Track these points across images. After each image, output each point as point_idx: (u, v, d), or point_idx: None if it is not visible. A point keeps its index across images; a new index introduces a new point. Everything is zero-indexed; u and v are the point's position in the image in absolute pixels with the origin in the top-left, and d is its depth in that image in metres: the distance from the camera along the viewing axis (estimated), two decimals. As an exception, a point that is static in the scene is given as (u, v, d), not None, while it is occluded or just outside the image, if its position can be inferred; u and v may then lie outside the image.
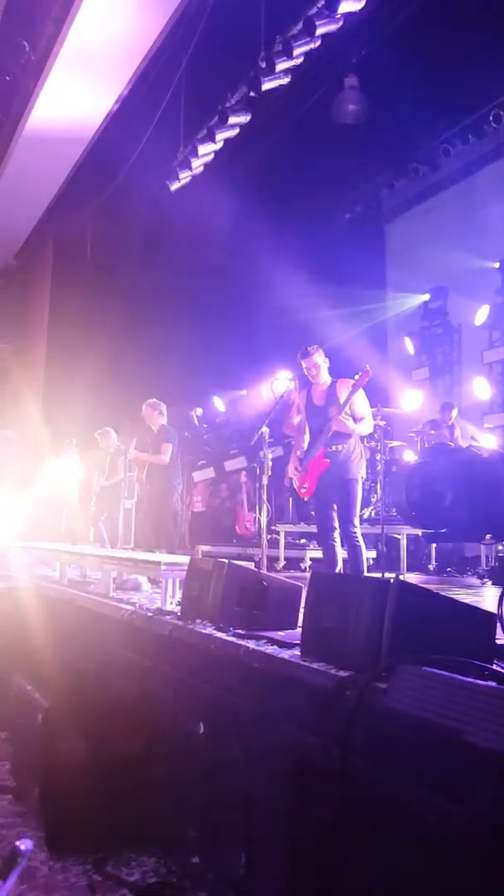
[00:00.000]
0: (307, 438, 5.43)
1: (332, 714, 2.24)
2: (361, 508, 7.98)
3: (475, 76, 8.82)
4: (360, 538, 5.26)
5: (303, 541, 8.70)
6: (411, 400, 10.60)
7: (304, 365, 5.41)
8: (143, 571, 5.13)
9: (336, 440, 5.22)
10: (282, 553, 8.17)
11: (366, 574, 5.38)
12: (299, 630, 2.94)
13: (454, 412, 9.00)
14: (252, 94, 7.72)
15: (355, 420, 5.24)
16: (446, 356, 11.76)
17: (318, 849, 2.36)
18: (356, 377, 5.27)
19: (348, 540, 5.21)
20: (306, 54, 7.15)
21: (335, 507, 5.30)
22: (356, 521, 5.25)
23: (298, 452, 5.43)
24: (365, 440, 8.17)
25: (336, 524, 5.31)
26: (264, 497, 5.60)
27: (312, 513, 6.00)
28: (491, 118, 9.53)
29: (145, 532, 7.73)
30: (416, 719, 1.98)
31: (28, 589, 6.05)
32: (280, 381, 5.85)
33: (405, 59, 8.13)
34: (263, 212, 9.79)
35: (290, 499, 9.36)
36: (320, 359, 5.39)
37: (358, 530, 5.25)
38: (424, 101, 8.56)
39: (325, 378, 5.40)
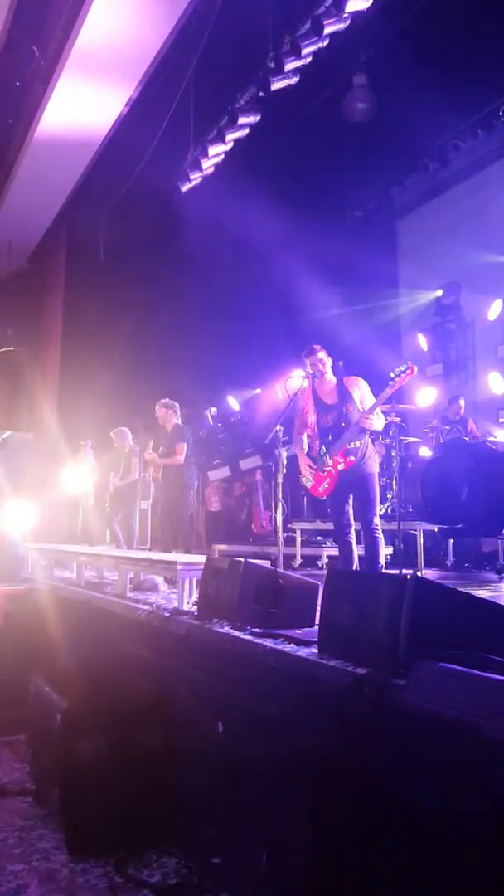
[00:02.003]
0: (305, 439, 5.42)
1: (350, 711, 2.24)
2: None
3: (484, 71, 8.78)
4: (381, 532, 5.25)
5: (319, 538, 8.68)
6: (426, 396, 10.56)
7: (309, 363, 5.39)
8: (159, 571, 5.13)
9: (354, 437, 5.22)
10: (298, 551, 8.15)
11: (383, 570, 5.37)
12: (316, 628, 2.93)
13: (461, 402, 8.94)
14: (261, 94, 7.72)
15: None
16: (460, 352, 11.71)
17: (338, 846, 2.35)
18: (395, 374, 5.25)
19: (369, 533, 5.20)
20: (315, 53, 7.14)
21: (351, 503, 5.29)
22: (378, 512, 5.27)
23: (307, 450, 5.41)
24: (380, 436, 8.15)
25: (352, 521, 5.30)
26: (279, 495, 5.59)
27: (327, 512, 6.01)
28: (500, 113, 9.46)
29: (161, 532, 7.75)
30: (435, 715, 1.97)
31: (46, 591, 6.08)
32: (294, 380, 5.84)
33: (413, 56, 8.10)
34: (274, 211, 9.79)
35: (306, 497, 9.34)
36: (325, 356, 5.39)
37: (379, 524, 5.25)
38: (433, 98, 8.51)
39: (330, 376, 5.39)
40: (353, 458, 5.19)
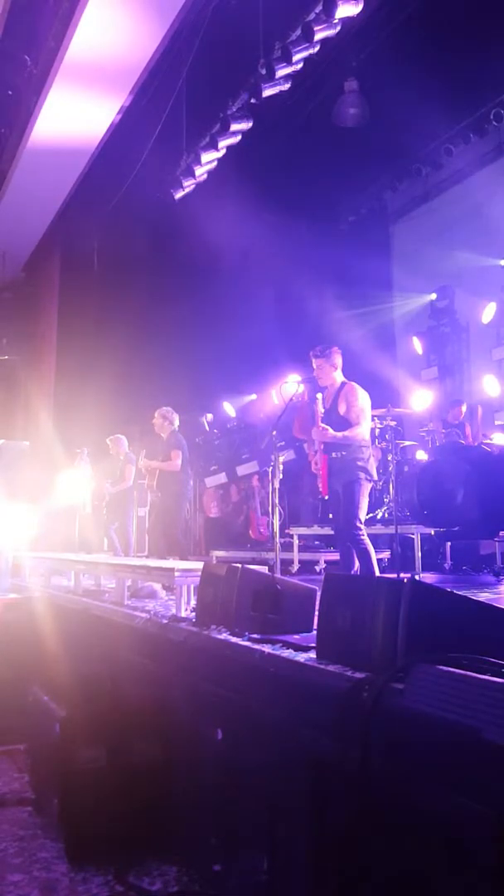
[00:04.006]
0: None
1: (349, 716, 2.23)
2: (374, 509, 7.96)
3: (475, 75, 8.83)
4: (367, 540, 5.18)
5: (317, 543, 8.68)
6: (421, 399, 10.57)
7: (313, 364, 5.40)
8: (156, 579, 5.13)
9: (335, 447, 5.20)
10: (296, 556, 8.15)
11: (379, 574, 5.35)
12: (315, 633, 2.93)
13: (463, 408, 8.97)
14: (253, 100, 7.75)
15: (350, 426, 5.19)
16: (455, 355, 11.74)
17: (340, 851, 2.34)
18: (359, 387, 5.28)
19: (354, 543, 5.14)
20: (306, 60, 7.17)
21: None
22: (358, 524, 5.17)
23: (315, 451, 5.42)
24: (376, 440, 8.16)
25: None
26: (276, 501, 5.59)
27: (330, 515, 6.03)
28: (492, 117, 9.52)
29: (157, 540, 7.75)
30: (433, 719, 1.97)
31: (43, 599, 6.07)
32: (289, 385, 5.83)
33: (404, 60, 8.14)
34: (268, 217, 9.82)
35: (304, 502, 9.34)
36: (325, 361, 5.36)
37: (363, 532, 5.18)
38: (425, 102, 8.57)
39: (332, 380, 5.38)
40: (332, 466, 5.18)
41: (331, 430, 5.11)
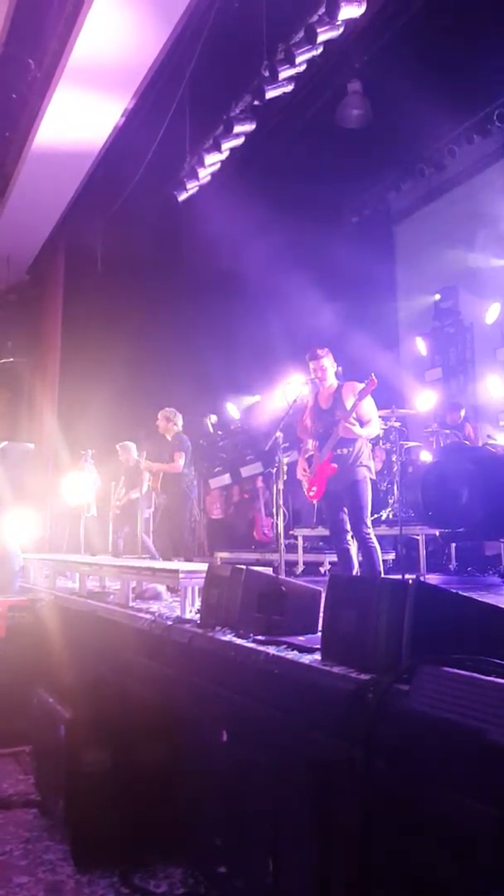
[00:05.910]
0: (310, 443, 5.44)
1: (354, 717, 2.23)
2: (378, 510, 7.96)
3: (478, 76, 8.82)
4: (374, 539, 5.21)
5: (321, 544, 8.68)
6: (425, 400, 10.56)
7: (311, 367, 5.42)
8: (161, 580, 5.13)
9: (341, 444, 5.20)
10: (300, 557, 8.14)
11: (383, 575, 5.35)
12: (319, 634, 2.93)
13: (462, 412, 8.98)
14: (256, 102, 7.77)
15: (361, 424, 5.22)
16: (459, 355, 11.73)
17: (345, 853, 2.34)
18: (362, 385, 5.26)
19: (362, 542, 5.17)
20: (309, 61, 7.18)
21: (346, 509, 5.27)
22: (368, 522, 5.21)
23: (306, 455, 5.43)
24: (380, 441, 8.16)
25: (348, 527, 5.28)
26: (280, 502, 5.60)
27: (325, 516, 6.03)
28: (495, 117, 9.51)
29: (160, 542, 7.75)
30: (438, 720, 1.97)
31: (48, 601, 6.07)
32: (293, 385, 5.86)
33: (407, 61, 8.13)
34: (272, 218, 9.82)
35: (308, 503, 9.33)
36: (327, 361, 5.38)
37: (371, 532, 5.20)
38: (428, 103, 8.56)
39: (331, 381, 5.40)
40: (336, 465, 5.18)
41: (357, 426, 5.15)
